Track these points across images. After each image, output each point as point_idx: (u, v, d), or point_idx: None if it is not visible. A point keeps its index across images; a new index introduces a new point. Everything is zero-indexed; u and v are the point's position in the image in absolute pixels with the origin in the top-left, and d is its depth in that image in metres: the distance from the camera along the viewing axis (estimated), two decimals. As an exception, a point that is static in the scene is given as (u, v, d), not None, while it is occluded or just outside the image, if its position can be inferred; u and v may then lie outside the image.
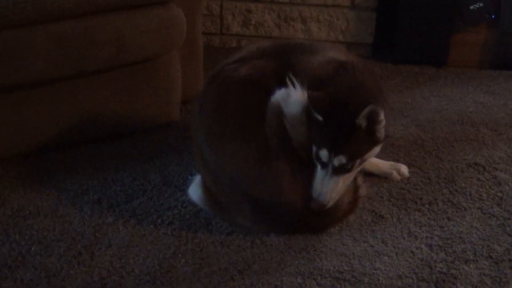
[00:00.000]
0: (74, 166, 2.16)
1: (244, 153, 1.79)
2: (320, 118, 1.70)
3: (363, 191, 1.92)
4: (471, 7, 3.14)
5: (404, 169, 2.11)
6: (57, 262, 1.68)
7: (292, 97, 1.77)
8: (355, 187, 1.89)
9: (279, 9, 3.31)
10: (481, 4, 3.12)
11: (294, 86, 1.78)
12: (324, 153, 1.73)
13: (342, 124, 1.71)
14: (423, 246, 1.77)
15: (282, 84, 1.80)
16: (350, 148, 1.73)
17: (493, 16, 3.17)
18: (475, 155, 2.26)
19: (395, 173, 2.09)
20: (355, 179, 1.88)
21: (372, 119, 1.70)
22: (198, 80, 2.64)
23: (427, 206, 1.95)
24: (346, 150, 1.73)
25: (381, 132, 1.75)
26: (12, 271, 1.64)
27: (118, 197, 1.98)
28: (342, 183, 1.79)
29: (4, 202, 1.95)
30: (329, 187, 1.76)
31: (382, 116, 1.70)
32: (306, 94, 1.75)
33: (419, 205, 1.95)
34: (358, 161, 1.77)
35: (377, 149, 1.82)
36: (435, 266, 1.68)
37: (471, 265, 1.68)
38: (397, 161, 2.16)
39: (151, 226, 1.84)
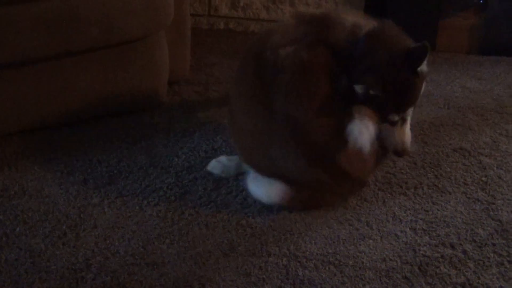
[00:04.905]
0: (59, 147, 2.15)
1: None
2: (380, 93, 1.73)
3: None
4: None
5: None
6: (42, 243, 1.68)
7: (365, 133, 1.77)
8: None
9: (268, -9, 3.30)
10: (470, -11, 3.14)
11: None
12: (394, 117, 1.80)
13: (403, 86, 1.76)
14: (407, 229, 1.78)
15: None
16: (415, 97, 1.81)
17: (481, 1, 3.18)
18: (461, 139, 2.27)
19: None
20: None
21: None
22: (185, 62, 2.64)
23: (412, 190, 1.96)
24: (413, 101, 1.81)
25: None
26: (-4, 251, 1.64)
27: (103, 178, 1.98)
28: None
29: (-11, 182, 1.94)
30: (407, 134, 1.86)
31: None
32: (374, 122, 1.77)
33: (404, 189, 1.96)
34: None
35: None
36: (419, 250, 1.69)
37: (455, 249, 1.70)
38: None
39: (137, 207, 1.84)
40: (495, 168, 2.09)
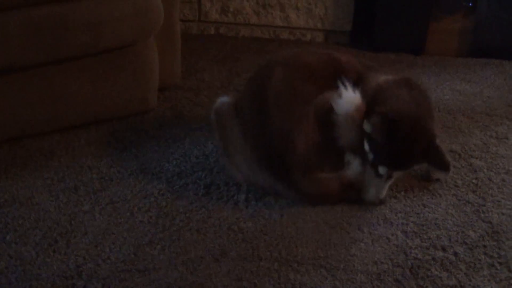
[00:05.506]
0: (50, 154, 2.15)
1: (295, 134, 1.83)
2: (380, 140, 1.75)
3: None
4: (449, -5, 3.17)
5: None
6: (33, 250, 1.67)
7: (343, 97, 1.82)
8: None
9: (258, -4, 3.30)
10: (458, -8, 3.15)
11: (345, 86, 1.83)
12: (383, 169, 1.83)
13: (404, 148, 1.79)
14: (398, 232, 1.78)
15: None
16: (410, 165, 1.86)
17: (470, 4, 3.19)
18: (451, 142, 2.28)
19: None
20: None
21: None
22: (175, 67, 2.63)
23: (403, 193, 1.96)
24: (406, 166, 1.85)
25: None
26: (-14, 259, 1.63)
27: (94, 184, 1.97)
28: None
29: (-21, 190, 1.93)
30: (384, 189, 1.89)
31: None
32: (357, 95, 1.82)
33: (395, 192, 1.96)
34: None
35: None
36: (410, 252, 1.69)
37: (446, 251, 1.70)
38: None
39: (128, 213, 1.83)
40: (485, 170, 2.10)
